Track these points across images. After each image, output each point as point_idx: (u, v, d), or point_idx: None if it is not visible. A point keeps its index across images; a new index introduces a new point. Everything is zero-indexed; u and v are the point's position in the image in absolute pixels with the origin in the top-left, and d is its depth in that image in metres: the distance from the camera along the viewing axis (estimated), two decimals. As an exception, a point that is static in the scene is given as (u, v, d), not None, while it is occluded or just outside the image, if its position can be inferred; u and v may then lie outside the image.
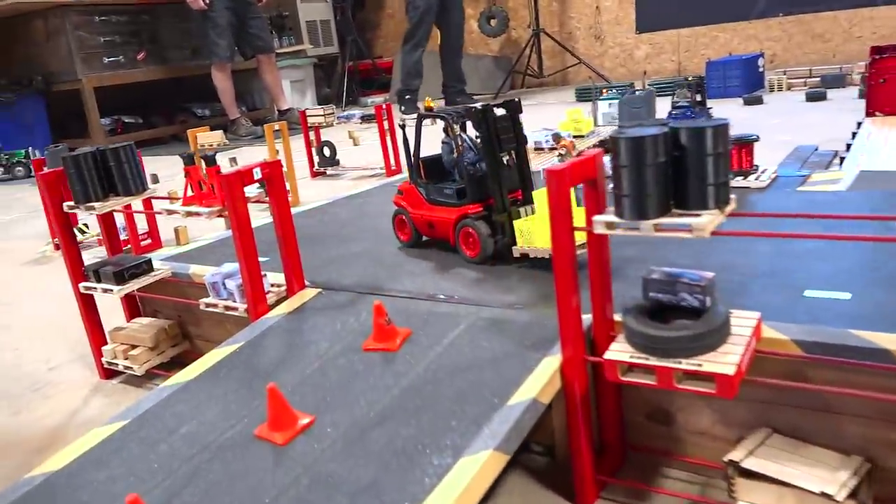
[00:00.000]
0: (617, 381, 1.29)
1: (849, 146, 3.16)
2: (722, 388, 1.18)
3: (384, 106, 5.00)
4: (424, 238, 2.21)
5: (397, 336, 1.59)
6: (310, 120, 5.26)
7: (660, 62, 9.53)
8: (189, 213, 1.87)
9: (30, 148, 6.37)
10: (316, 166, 5.38)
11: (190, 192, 1.93)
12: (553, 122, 4.28)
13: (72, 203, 2.10)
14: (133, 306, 2.39)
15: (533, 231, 1.83)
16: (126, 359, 2.22)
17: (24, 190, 6.45)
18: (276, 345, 1.70)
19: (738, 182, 2.44)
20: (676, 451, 1.50)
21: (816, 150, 3.26)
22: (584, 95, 7.23)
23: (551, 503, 1.46)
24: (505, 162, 1.93)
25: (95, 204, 2.05)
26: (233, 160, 4.42)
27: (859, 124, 3.52)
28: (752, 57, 7.21)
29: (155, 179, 5.29)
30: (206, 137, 3.82)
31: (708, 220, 1.17)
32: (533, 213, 1.91)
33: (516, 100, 1.94)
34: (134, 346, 2.24)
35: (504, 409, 1.29)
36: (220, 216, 1.85)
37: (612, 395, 1.49)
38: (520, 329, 1.56)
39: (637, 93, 4.40)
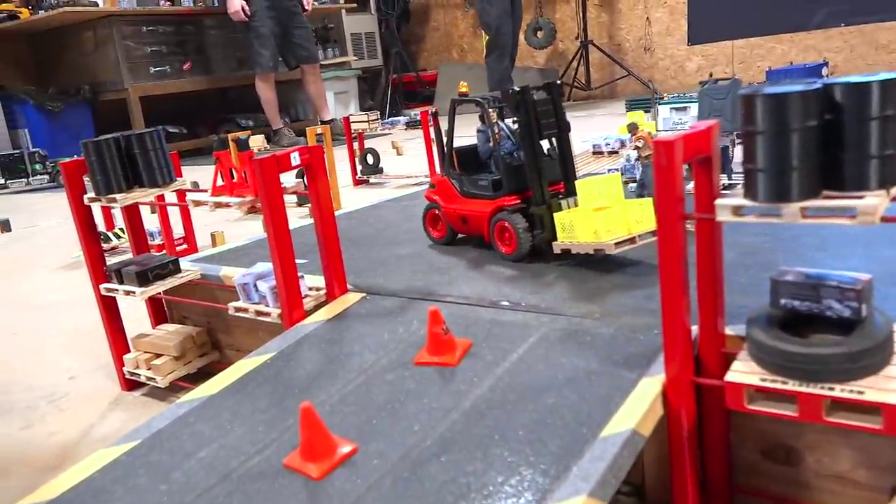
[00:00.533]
0: (742, 410, 1.01)
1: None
2: (892, 423, 0.90)
3: (431, 110, 4.80)
4: (459, 235, 2.03)
5: (456, 349, 1.33)
6: (354, 125, 5.09)
7: (714, 74, 9.16)
8: (218, 205, 1.65)
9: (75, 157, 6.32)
10: (359, 174, 5.19)
11: (221, 182, 1.71)
12: (606, 132, 4.02)
13: (92, 195, 1.90)
14: (159, 312, 2.17)
15: (575, 224, 1.64)
16: (149, 369, 2.00)
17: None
18: (313, 356, 1.45)
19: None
20: (800, 497, 1.20)
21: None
22: (635, 105, 6.95)
23: (645, 558, 1.18)
24: (545, 150, 1.79)
25: (118, 195, 1.84)
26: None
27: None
28: (815, 66, 6.82)
29: (196, 186, 5.15)
30: (251, 142, 3.65)
31: (877, 201, 0.90)
32: (576, 205, 1.74)
33: (558, 82, 1.74)
34: (158, 355, 2.02)
35: (597, 442, 1.02)
36: (252, 208, 1.62)
37: (719, 424, 1.20)
38: (605, 343, 1.29)
39: (719, 82, 4.07)
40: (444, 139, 2.01)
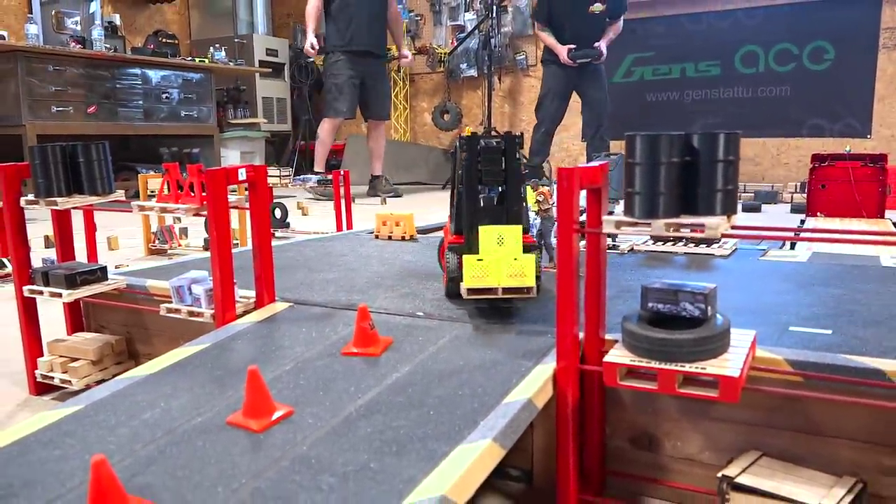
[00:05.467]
0: (615, 386, 1.25)
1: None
2: (726, 392, 1.17)
3: (342, 172, 5.04)
4: None
5: (380, 342, 1.52)
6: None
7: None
8: (164, 210, 1.79)
9: None
10: (266, 227, 5.30)
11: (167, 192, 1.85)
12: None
13: (31, 197, 1.99)
14: (77, 319, 2.23)
15: (465, 268, 1.61)
16: (64, 372, 2.05)
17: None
18: (247, 347, 1.60)
19: (701, 249, 2.51)
20: (662, 478, 1.45)
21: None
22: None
23: (531, 526, 1.38)
24: (481, 198, 1.78)
25: (58, 199, 1.94)
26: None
27: (802, 221, 3.71)
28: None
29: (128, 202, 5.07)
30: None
31: (719, 220, 1.19)
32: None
33: (519, 133, 1.87)
34: (74, 360, 2.08)
35: (500, 406, 1.23)
36: (197, 214, 1.78)
37: (596, 415, 1.45)
38: (507, 342, 1.52)
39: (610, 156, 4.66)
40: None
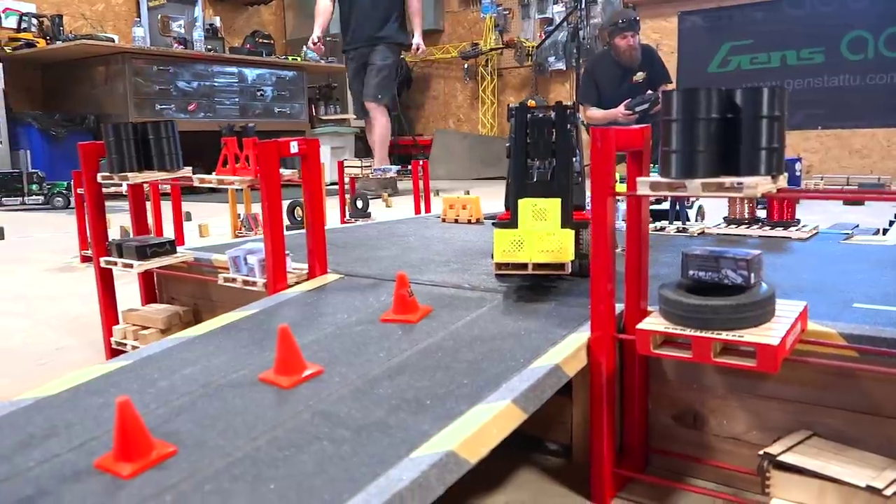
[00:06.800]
0: (649, 354, 1.20)
1: (892, 223, 3.09)
2: (764, 361, 1.10)
3: (421, 162, 5.09)
4: None
5: (418, 310, 1.52)
6: (347, 171, 5.36)
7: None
8: (221, 182, 1.86)
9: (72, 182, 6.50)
10: (347, 217, 5.42)
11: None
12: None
13: (106, 173, 2.10)
14: (150, 292, 2.34)
15: (496, 242, 1.55)
16: (136, 339, 2.16)
17: (61, 218, 6.55)
18: (291, 314, 1.63)
19: (777, 232, 2.38)
20: (705, 457, 1.38)
21: (857, 226, 3.19)
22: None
23: (564, 499, 1.34)
24: (535, 173, 1.69)
25: (129, 174, 2.05)
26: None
27: (901, 210, 3.46)
28: (788, 160, 7.23)
29: (188, 217, 5.37)
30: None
31: (759, 179, 1.12)
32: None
33: (571, 103, 1.78)
34: (145, 328, 2.18)
35: (525, 371, 1.21)
36: (252, 187, 1.83)
37: (636, 388, 1.39)
38: (546, 312, 1.49)
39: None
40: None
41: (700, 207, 3.77)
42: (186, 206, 4.78)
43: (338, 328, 1.51)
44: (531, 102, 1.95)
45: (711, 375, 1.35)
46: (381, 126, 7.19)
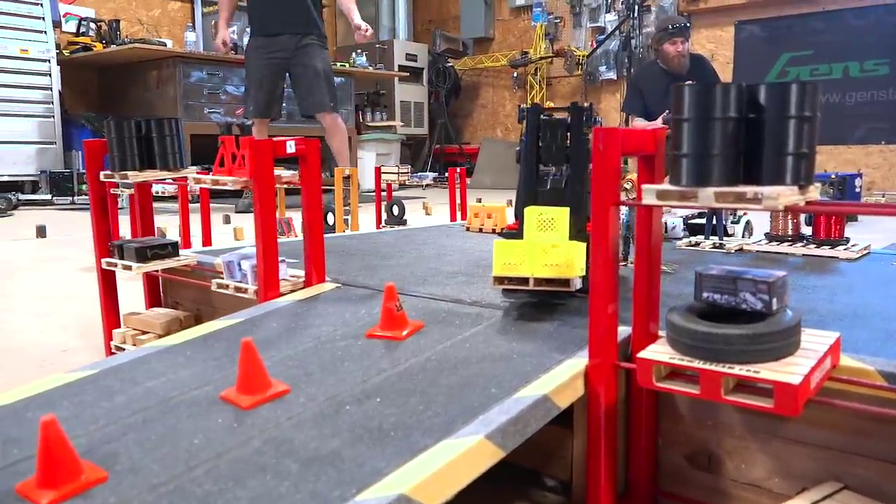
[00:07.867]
0: (650, 387, 1.05)
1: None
2: (782, 402, 0.93)
3: (458, 170, 4.98)
4: None
5: (406, 326, 1.39)
6: (384, 177, 5.29)
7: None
8: (216, 182, 1.76)
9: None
10: (383, 223, 5.33)
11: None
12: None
13: (108, 172, 2.03)
14: (154, 295, 2.27)
15: (521, 254, 1.41)
16: (134, 344, 2.08)
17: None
18: (276, 325, 1.52)
19: (823, 251, 2.18)
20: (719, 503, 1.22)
21: (917, 247, 2.94)
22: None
23: (557, 545, 1.20)
24: (548, 179, 1.57)
25: (129, 173, 1.97)
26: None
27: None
28: (848, 175, 6.88)
29: (227, 220, 5.36)
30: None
31: (783, 190, 0.96)
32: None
33: (588, 104, 1.60)
34: (144, 332, 2.10)
35: (507, 401, 1.06)
36: (245, 188, 1.73)
37: (643, 423, 1.23)
38: (546, 333, 1.34)
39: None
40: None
41: (748, 223, 3.56)
42: (228, 208, 4.72)
43: (319, 343, 1.39)
44: (549, 104, 1.80)
45: (729, 413, 1.19)
46: (342, 131, 6.21)
